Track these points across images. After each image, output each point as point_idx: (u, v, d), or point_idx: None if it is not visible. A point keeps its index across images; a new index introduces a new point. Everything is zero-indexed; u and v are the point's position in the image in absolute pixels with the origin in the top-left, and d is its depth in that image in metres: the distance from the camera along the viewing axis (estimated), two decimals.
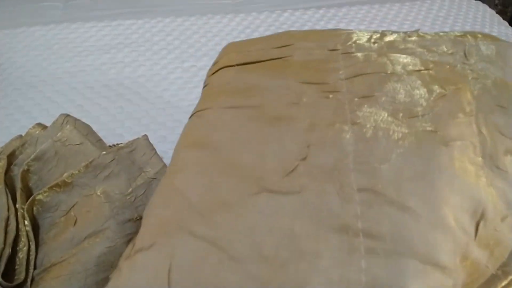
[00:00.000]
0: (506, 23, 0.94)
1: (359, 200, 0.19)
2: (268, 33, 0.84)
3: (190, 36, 0.82)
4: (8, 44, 0.78)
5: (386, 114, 0.21)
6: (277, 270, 0.17)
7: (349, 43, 0.26)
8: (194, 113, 0.28)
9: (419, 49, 0.26)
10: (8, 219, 0.41)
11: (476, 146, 0.21)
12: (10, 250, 0.39)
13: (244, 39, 0.82)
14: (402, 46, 0.26)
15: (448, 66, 0.25)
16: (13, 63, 0.74)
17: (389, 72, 0.24)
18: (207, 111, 0.26)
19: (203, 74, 0.74)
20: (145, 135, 0.49)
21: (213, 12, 0.89)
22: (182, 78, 0.73)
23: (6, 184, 0.44)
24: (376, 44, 0.26)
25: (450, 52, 0.25)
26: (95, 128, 0.52)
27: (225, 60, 0.29)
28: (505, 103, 0.24)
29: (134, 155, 0.46)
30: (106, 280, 0.38)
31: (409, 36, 0.27)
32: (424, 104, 0.22)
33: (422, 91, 0.23)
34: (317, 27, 0.86)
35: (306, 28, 0.85)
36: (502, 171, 0.21)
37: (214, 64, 0.31)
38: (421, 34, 0.28)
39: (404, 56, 0.25)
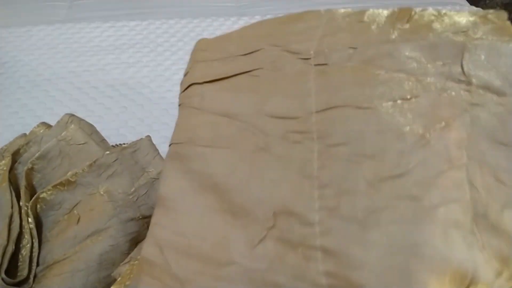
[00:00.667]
0: None
1: (326, 285, 0.17)
2: None
3: (194, 38, 0.83)
4: (13, 42, 0.79)
5: (357, 176, 0.19)
6: None
7: (324, 46, 0.22)
8: (172, 144, 0.26)
9: (404, 58, 0.20)
10: (12, 216, 0.41)
11: (465, 206, 0.18)
12: (14, 247, 0.39)
13: None
14: (386, 53, 0.21)
15: (439, 86, 0.20)
16: (17, 62, 0.75)
17: (365, 105, 0.20)
18: (183, 148, 0.24)
19: None
20: (148, 136, 0.49)
21: (217, 15, 0.90)
22: None
23: (10, 181, 0.44)
24: (355, 50, 0.21)
25: (444, 63, 0.20)
26: (98, 127, 0.53)
27: (193, 74, 0.27)
28: (508, 137, 0.19)
29: (137, 155, 0.47)
30: (108, 278, 0.38)
31: (401, 23, 0.21)
32: (402, 159, 0.19)
33: (401, 138, 0.19)
34: None
35: None
36: (498, 229, 0.18)
37: (185, 75, 0.28)
38: (410, 26, 0.21)
39: (384, 73, 0.20)
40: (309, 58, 0.21)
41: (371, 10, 0.23)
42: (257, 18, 0.89)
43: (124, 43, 0.80)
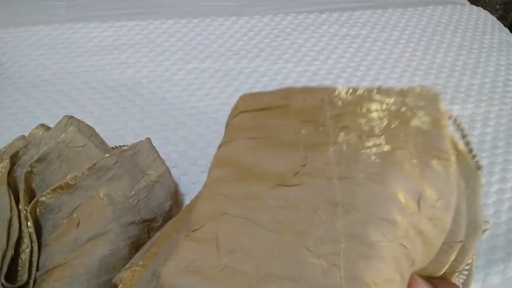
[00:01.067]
0: (507, 30, 0.95)
1: (338, 185, 0.30)
2: (271, 36, 0.85)
3: (194, 38, 0.82)
4: (11, 43, 0.78)
5: (355, 136, 0.33)
6: (289, 228, 0.27)
7: (332, 95, 0.37)
8: (222, 144, 0.37)
9: (377, 98, 0.37)
10: (11, 220, 0.41)
11: (412, 153, 0.32)
12: (13, 252, 0.39)
13: (247, 42, 0.83)
14: (368, 97, 0.37)
15: (394, 109, 0.36)
16: (16, 62, 0.75)
17: (357, 111, 0.35)
18: (231, 142, 0.36)
19: (205, 76, 0.75)
20: (148, 138, 0.49)
21: (216, 14, 0.89)
22: (185, 79, 0.73)
23: (9, 185, 0.44)
24: (351, 96, 0.38)
25: (398, 100, 0.37)
26: (97, 128, 0.52)
27: (243, 107, 0.39)
28: (430, 131, 0.34)
29: (137, 157, 0.46)
30: (108, 282, 0.38)
31: (372, 91, 0.38)
32: (377, 130, 0.34)
33: (377, 123, 0.34)
34: (320, 31, 0.86)
35: (308, 31, 0.86)
36: (431, 168, 0.31)
37: (234, 109, 0.40)
38: (381, 89, 0.38)
39: (368, 103, 0.37)
40: (325, 99, 0.37)
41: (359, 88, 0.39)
42: (257, 18, 0.88)
43: (124, 43, 0.79)
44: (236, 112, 0.39)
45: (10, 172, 0.46)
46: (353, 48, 0.82)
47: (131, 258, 0.39)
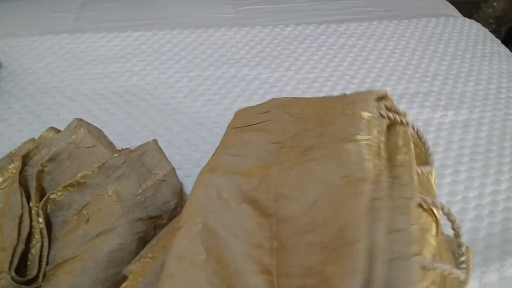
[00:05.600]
0: (499, 41, 0.98)
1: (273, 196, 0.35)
2: (271, 46, 0.88)
3: (196, 47, 0.85)
4: (21, 51, 0.81)
5: (294, 155, 0.38)
6: (249, 234, 0.33)
7: (292, 112, 0.43)
8: (213, 154, 0.43)
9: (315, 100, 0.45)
10: (21, 216, 0.42)
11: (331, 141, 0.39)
12: (24, 246, 0.40)
13: (249, 51, 0.86)
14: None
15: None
16: (25, 70, 0.77)
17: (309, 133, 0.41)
18: (215, 155, 0.43)
19: (208, 83, 0.77)
20: (155, 140, 0.51)
21: (219, 25, 0.92)
22: (188, 86, 0.75)
23: (20, 183, 0.46)
24: (311, 115, 0.42)
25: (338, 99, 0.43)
26: (104, 132, 0.54)
27: (233, 123, 0.46)
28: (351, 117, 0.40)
29: (144, 157, 0.48)
30: (116, 275, 0.39)
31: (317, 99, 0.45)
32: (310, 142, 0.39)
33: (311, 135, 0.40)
34: (318, 41, 0.90)
35: (307, 42, 0.89)
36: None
37: (228, 125, 0.46)
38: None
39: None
40: (293, 116, 0.44)
41: None
42: (258, 29, 0.92)
43: (129, 52, 0.82)
44: (228, 128, 0.46)
45: (21, 172, 0.47)
46: (351, 57, 0.86)
47: (139, 253, 0.41)
